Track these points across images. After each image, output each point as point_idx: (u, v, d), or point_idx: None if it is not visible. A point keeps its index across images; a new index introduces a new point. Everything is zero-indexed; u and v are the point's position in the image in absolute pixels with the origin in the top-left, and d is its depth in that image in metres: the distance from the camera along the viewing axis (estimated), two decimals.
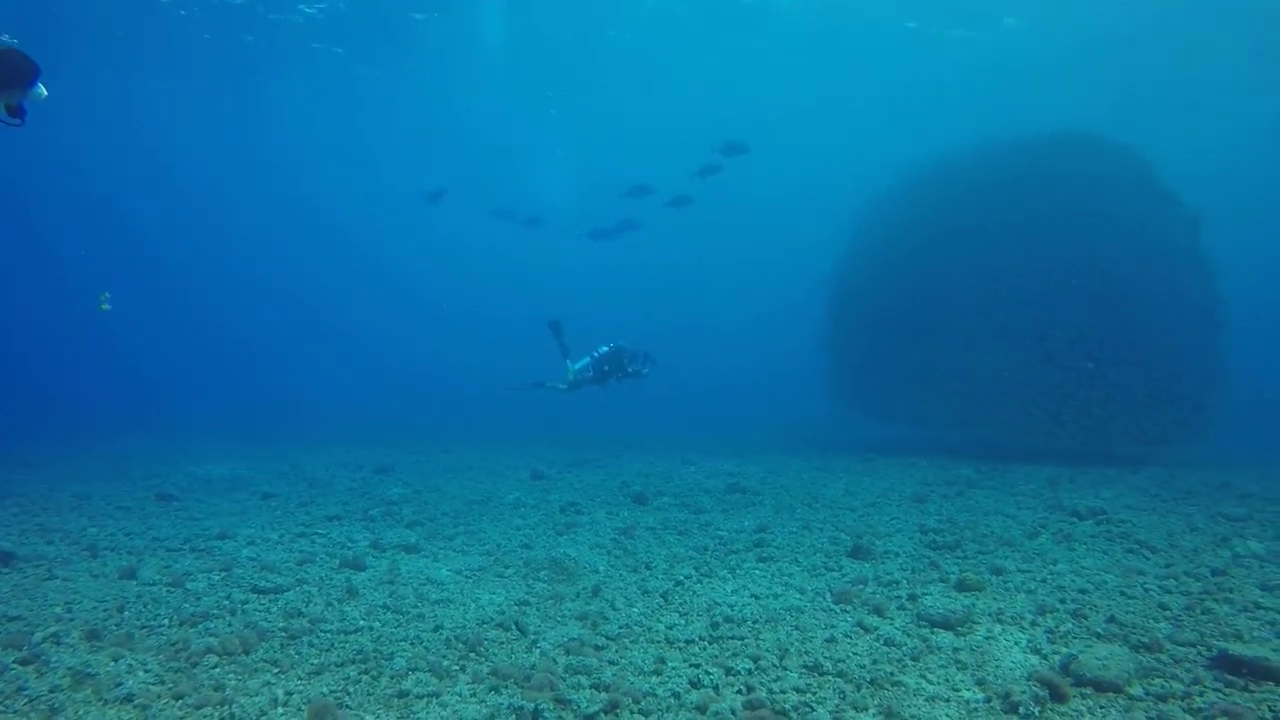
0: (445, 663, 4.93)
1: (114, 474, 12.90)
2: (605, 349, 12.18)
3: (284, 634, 5.37)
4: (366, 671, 4.77)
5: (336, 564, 7.24)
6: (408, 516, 9.48)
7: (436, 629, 5.55)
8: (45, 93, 4.99)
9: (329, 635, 5.39)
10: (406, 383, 38.54)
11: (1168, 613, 5.76)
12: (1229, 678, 4.58)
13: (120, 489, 11.34)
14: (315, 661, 4.90)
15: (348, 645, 5.20)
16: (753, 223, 44.32)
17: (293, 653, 5.04)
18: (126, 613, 5.79)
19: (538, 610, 5.98)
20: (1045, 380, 14.13)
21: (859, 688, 4.52)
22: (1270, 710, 4.20)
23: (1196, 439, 14.38)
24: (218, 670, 4.74)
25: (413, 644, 5.26)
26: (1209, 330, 14.90)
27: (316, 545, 8.03)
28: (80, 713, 4.21)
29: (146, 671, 4.71)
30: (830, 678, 4.67)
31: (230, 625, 5.52)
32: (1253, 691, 4.42)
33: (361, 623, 5.66)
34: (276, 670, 4.77)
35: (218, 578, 6.77)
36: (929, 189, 16.85)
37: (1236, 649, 4.77)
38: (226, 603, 6.05)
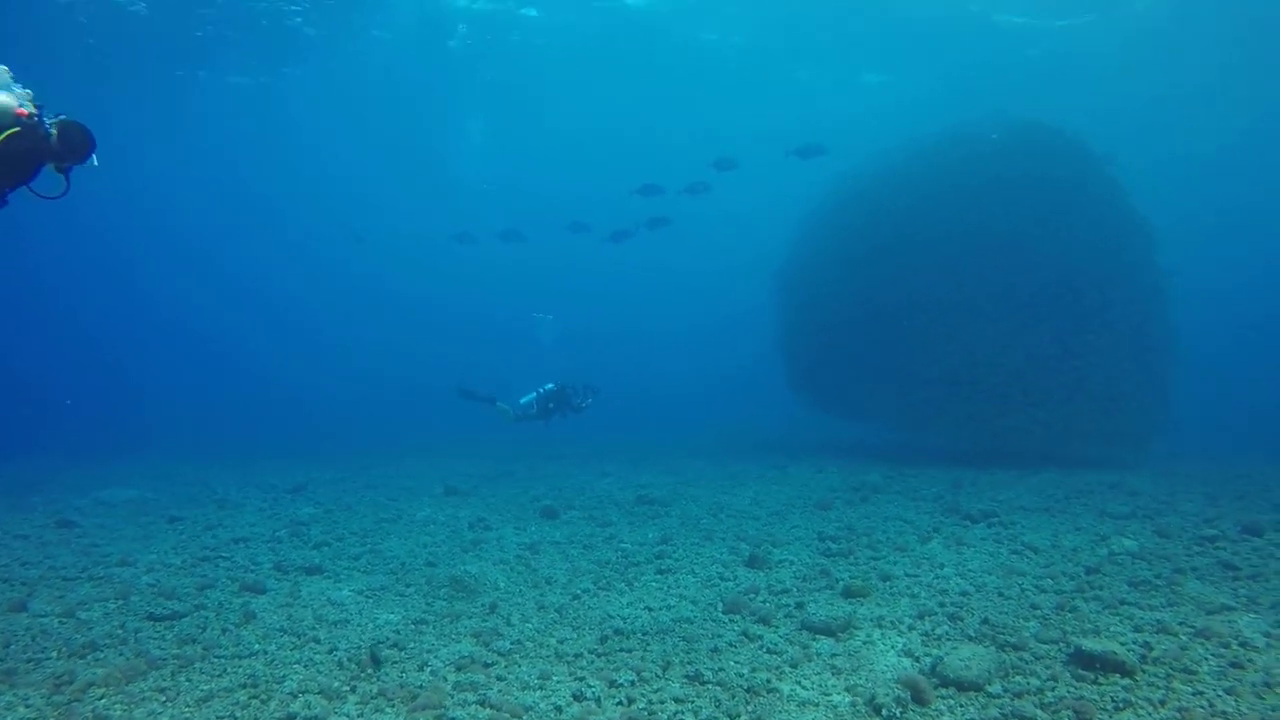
0: (336, 684, 5.02)
1: (12, 501, 12.50)
2: (550, 386, 12.94)
3: (176, 661, 5.38)
4: (256, 696, 4.83)
5: (237, 588, 7.22)
6: (315, 537, 9.46)
7: (331, 650, 5.62)
8: (97, 163, 5.32)
9: (222, 661, 5.41)
10: (345, 393, 38.12)
11: (1038, 612, 6.15)
12: (1081, 672, 4.94)
13: (17, 517, 11.01)
14: (205, 688, 4.93)
15: (240, 670, 5.24)
16: (725, 226, 44.78)
17: (183, 680, 5.07)
18: (12, 647, 5.71)
19: (434, 628, 6.10)
20: (990, 381, 14.58)
21: (735, 696, 4.75)
22: (1113, 701, 4.56)
23: (1149, 440, 15.03)
24: (103, 701, 4.74)
25: (306, 666, 5.33)
26: (1159, 335, 15.31)
27: (219, 569, 7.97)
28: None
29: (28, 707, 4.69)
30: (710, 687, 4.90)
31: (121, 655, 5.51)
32: (1100, 684, 4.78)
33: (256, 647, 5.70)
34: (164, 699, 4.79)
35: (113, 606, 6.69)
36: (875, 190, 17.21)
37: (1089, 644, 5.14)
38: (120, 632, 6.01)
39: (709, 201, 21.15)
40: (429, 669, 5.27)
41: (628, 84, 31.87)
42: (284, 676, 5.13)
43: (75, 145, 5.15)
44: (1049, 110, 16.41)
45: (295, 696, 4.82)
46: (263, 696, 4.82)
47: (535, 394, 13.10)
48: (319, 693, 4.89)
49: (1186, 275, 16.34)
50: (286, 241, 51.70)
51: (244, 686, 4.96)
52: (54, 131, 5.07)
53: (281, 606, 6.70)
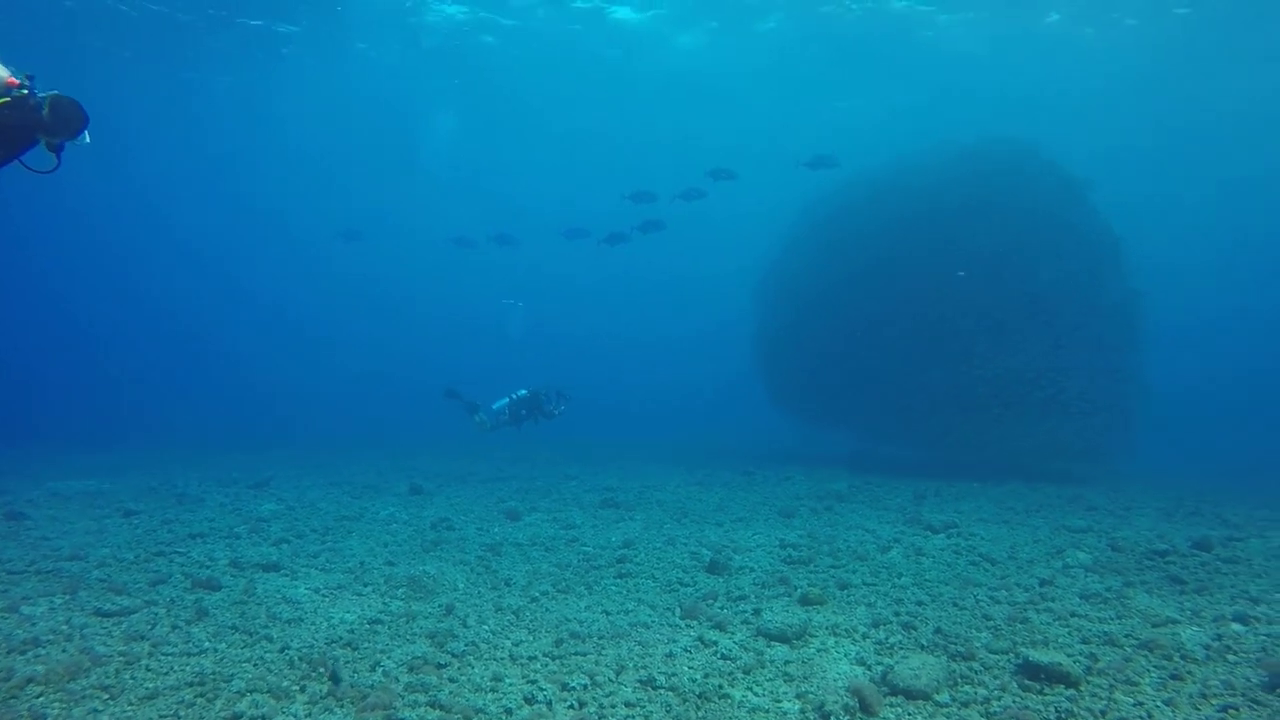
0: (285, 684, 4.97)
1: None
2: (523, 392, 12.94)
3: (122, 658, 5.29)
4: (202, 695, 4.77)
5: (190, 584, 7.12)
6: (275, 534, 9.36)
7: (283, 649, 5.56)
8: (89, 140, 5.32)
9: (169, 658, 5.34)
10: (323, 390, 37.84)
11: (990, 623, 6.23)
12: (1028, 683, 5.01)
13: None
14: (150, 686, 4.86)
15: (188, 668, 5.17)
16: (705, 237, 44.99)
17: (127, 678, 4.99)
18: None
19: (389, 628, 6.05)
20: (963, 395, 14.76)
21: (686, 701, 4.77)
22: (1056, 711, 4.63)
23: (1117, 454, 15.28)
24: (41, 699, 4.65)
25: (255, 665, 5.27)
26: (1130, 349, 15.72)
27: (174, 565, 7.86)
28: None
29: None
30: (662, 692, 4.91)
31: (64, 651, 5.41)
32: (1045, 695, 4.85)
33: (206, 644, 5.62)
34: (106, 697, 4.72)
35: (60, 601, 6.58)
36: (856, 206, 17.46)
37: (1036, 655, 5.21)
38: (65, 628, 5.91)
39: (693, 211, 21.16)
40: (381, 669, 5.23)
41: (606, 94, 32.13)
42: (232, 675, 5.07)
43: (67, 119, 5.12)
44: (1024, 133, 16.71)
45: (243, 695, 4.77)
46: (209, 695, 4.75)
47: (508, 399, 13.11)
48: (267, 692, 4.84)
49: (1154, 295, 16.67)
50: (271, 236, 51.29)
51: (190, 685, 4.90)
52: (45, 104, 5.04)
53: (235, 604, 6.62)
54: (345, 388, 38.42)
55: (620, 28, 26.98)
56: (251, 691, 4.83)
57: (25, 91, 5.02)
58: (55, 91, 5.13)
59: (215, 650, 5.53)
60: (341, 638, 5.82)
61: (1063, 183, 15.97)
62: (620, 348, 48.62)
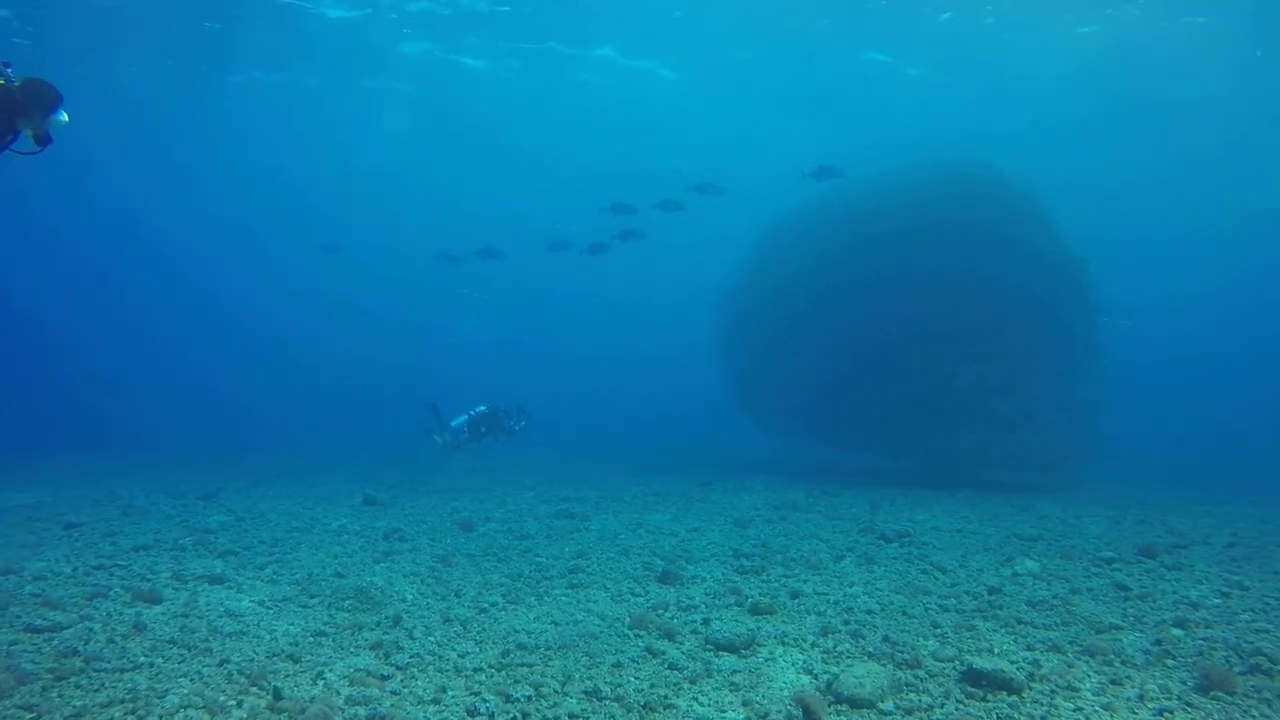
0: (222, 698, 4.85)
1: None
2: (482, 409, 12.88)
3: (51, 675, 5.13)
4: (133, 711, 4.63)
5: (130, 598, 6.94)
6: (221, 545, 9.16)
7: (222, 663, 5.44)
8: (67, 118, 5.44)
9: (102, 674, 5.19)
10: (288, 400, 37.34)
11: (938, 630, 6.27)
12: (971, 690, 5.04)
13: None
14: (78, 704, 4.71)
15: (120, 684, 5.02)
16: (689, 254, 45.22)
17: (54, 696, 4.83)
18: None
19: (333, 640, 5.95)
20: (926, 406, 14.93)
21: (630, 711, 4.73)
22: (998, 717, 4.67)
23: (1079, 465, 15.54)
24: None
25: (192, 680, 5.14)
26: (1092, 362, 15.92)
27: (113, 578, 7.65)
28: None
29: None
30: (607, 702, 4.87)
31: None
32: (988, 701, 4.89)
33: (142, 659, 5.48)
34: (32, 716, 4.56)
35: None
36: (820, 222, 17.63)
37: (980, 663, 5.25)
38: None
39: (668, 229, 21.27)
40: (322, 682, 5.13)
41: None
42: (167, 691, 4.93)
43: (41, 97, 5.25)
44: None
45: (176, 712, 4.64)
46: (140, 712, 4.62)
47: (466, 416, 13.10)
48: (203, 707, 4.72)
49: (1117, 310, 17.06)
50: (239, 245, 50.39)
51: (121, 701, 4.76)
52: (17, 86, 5.18)
53: (176, 617, 6.46)
54: (314, 399, 37.88)
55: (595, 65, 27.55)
56: (186, 708, 4.71)
57: (2, 80, 5.16)
58: (27, 76, 5.28)
59: (151, 665, 5.38)
60: (284, 650, 5.71)
61: (1021, 202, 16.28)
62: (594, 363, 48.51)
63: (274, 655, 5.60)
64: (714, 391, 21.86)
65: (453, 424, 12.94)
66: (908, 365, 15.03)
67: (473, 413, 13.05)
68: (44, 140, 5.40)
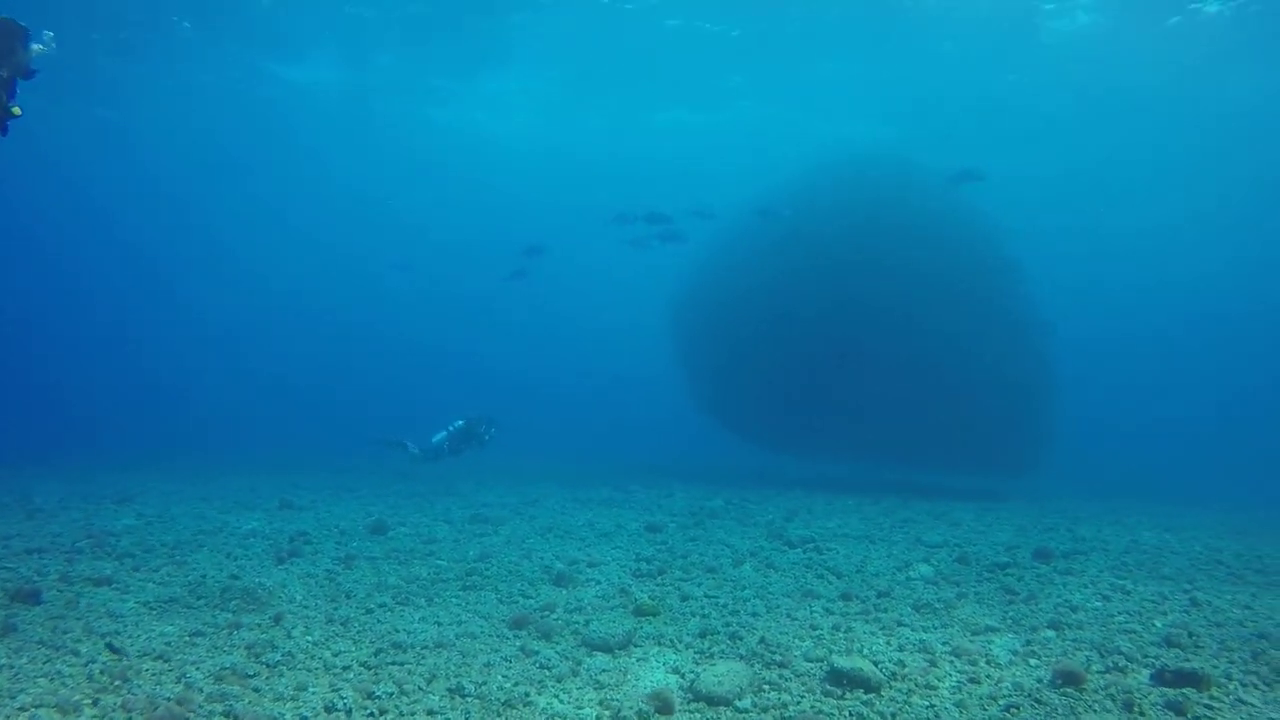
0: (78, 697, 4.78)
1: None
2: (460, 423, 12.93)
3: None
4: None
5: (6, 599, 6.80)
6: (121, 548, 8.99)
7: (88, 664, 5.35)
8: (42, 47, 5.43)
9: None
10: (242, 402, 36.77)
11: (816, 632, 6.38)
12: (830, 688, 5.15)
13: None
14: None
15: None
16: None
17: None
18: None
19: (209, 640, 5.89)
20: (866, 412, 15.18)
21: (489, 708, 4.76)
22: (851, 714, 4.77)
23: (1025, 471, 15.89)
24: None
25: (51, 680, 5.05)
26: (1034, 377, 16.12)
27: None
28: None
29: None
30: (469, 700, 4.89)
31: None
32: (844, 699, 4.99)
33: (3, 660, 5.37)
34: None
35: None
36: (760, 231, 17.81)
37: (841, 662, 5.36)
38: None
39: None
40: (185, 680, 5.08)
41: None
42: (21, 690, 4.85)
43: (7, 34, 5.22)
44: None
45: (25, 710, 4.57)
46: None
47: (446, 432, 13.19)
48: (55, 706, 4.64)
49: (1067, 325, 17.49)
50: (207, 247, 49.38)
51: None
52: None
53: (52, 619, 6.34)
54: (263, 403, 37.30)
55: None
56: (37, 706, 4.63)
57: None
58: None
59: (11, 666, 5.28)
60: (155, 650, 5.64)
61: (956, 204, 16.67)
62: (552, 375, 48.46)
63: (144, 655, 5.53)
64: (673, 402, 22.15)
65: (433, 440, 13.04)
66: (849, 371, 15.31)
67: (451, 428, 13.15)
68: (28, 74, 5.36)
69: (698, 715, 4.76)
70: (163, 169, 37.86)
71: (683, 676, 5.35)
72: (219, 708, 4.66)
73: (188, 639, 5.92)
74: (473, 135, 33.77)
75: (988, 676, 5.39)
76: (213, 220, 44.79)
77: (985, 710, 4.83)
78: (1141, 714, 4.76)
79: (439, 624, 6.38)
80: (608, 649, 5.82)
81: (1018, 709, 4.83)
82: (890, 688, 5.17)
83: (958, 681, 5.30)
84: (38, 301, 44.83)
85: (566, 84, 28.20)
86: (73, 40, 22.39)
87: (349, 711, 4.65)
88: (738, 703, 4.90)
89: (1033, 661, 5.73)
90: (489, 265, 25.01)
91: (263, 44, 25.01)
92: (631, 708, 4.70)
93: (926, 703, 4.94)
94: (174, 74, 26.68)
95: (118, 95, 28.64)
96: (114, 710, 4.62)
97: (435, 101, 30.28)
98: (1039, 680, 5.31)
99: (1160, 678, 5.30)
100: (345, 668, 5.35)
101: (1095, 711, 4.79)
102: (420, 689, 5.02)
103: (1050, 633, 6.45)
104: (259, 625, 6.27)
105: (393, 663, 5.45)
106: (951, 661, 5.69)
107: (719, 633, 6.29)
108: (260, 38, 24.38)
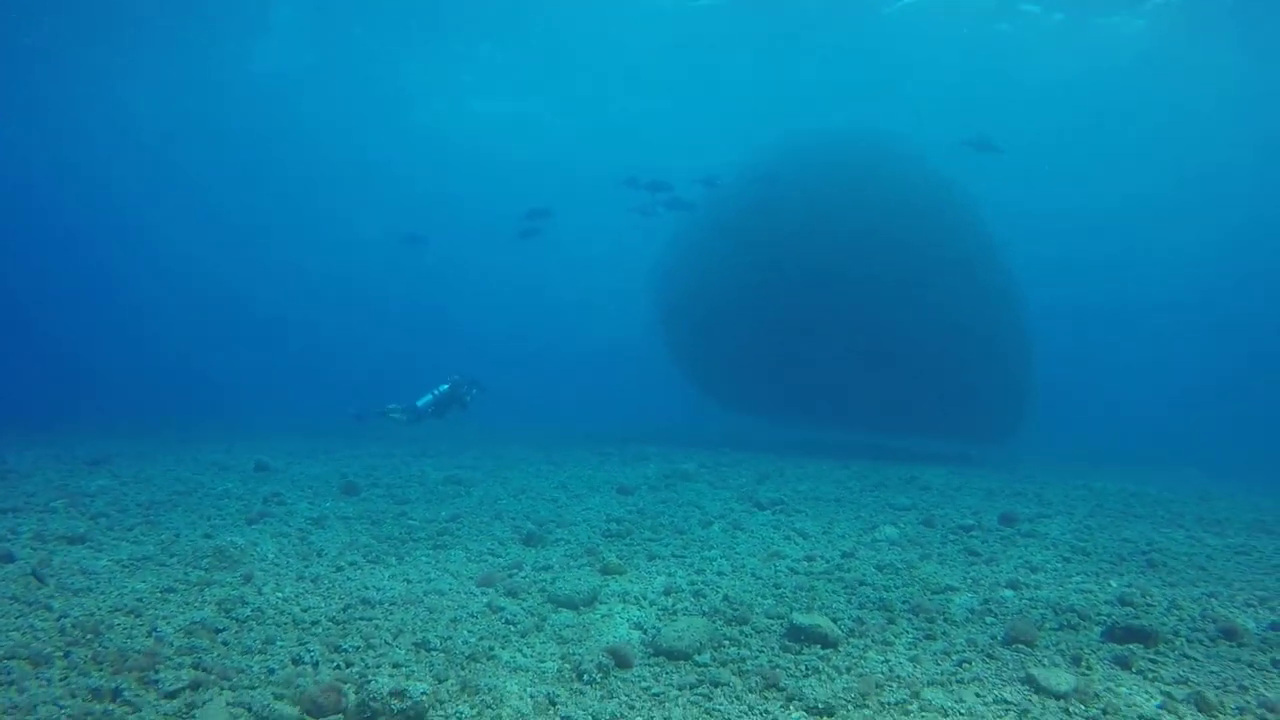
0: (49, 650, 4.84)
1: None
2: (445, 387, 13.35)
3: None
4: None
5: None
6: (95, 508, 9.02)
7: (61, 618, 5.41)
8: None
9: None
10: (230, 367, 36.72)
11: (779, 591, 6.51)
12: (788, 644, 5.29)
13: None
14: None
15: None
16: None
17: None
18: None
19: (180, 596, 5.95)
20: (865, 381, 15.33)
21: (452, 661, 4.85)
22: (806, 668, 4.89)
23: (1006, 438, 16.10)
24: None
25: (23, 633, 5.11)
26: (1013, 343, 16.38)
27: None
28: None
29: None
30: (434, 653, 4.98)
31: None
32: (801, 654, 5.12)
33: None
34: None
35: None
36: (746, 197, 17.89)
37: (800, 619, 5.49)
38: None
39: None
40: (155, 634, 5.15)
41: None
42: None
43: None
44: None
45: None
46: None
47: (431, 395, 13.57)
48: (26, 659, 4.71)
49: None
50: (204, 214, 48.73)
51: None
52: None
53: (24, 575, 6.38)
54: (245, 371, 37.22)
55: None
56: (7, 659, 4.69)
57: None
58: None
59: None
60: (127, 605, 5.70)
61: (931, 176, 16.73)
62: (543, 343, 48.51)
63: (116, 610, 5.59)
64: (658, 372, 22.32)
65: (418, 403, 13.37)
66: (831, 337, 15.46)
67: (436, 392, 13.54)
68: None
69: (658, 669, 4.87)
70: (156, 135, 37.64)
71: (645, 632, 5.47)
72: (188, 660, 4.74)
73: (159, 595, 5.99)
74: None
75: (943, 634, 5.54)
76: (199, 183, 44.33)
77: (939, 665, 4.97)
78: (1089, 668, 4.92)
79: (408, 581, 6.48)
80: (573, 606, 5.93)
81: (970, 664, 4.98)
82: (848, 644, 5.31)
83: (914, 638, 5.45)
84: (14, 268, 44.30)
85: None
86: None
87: (315, 664, 4.74)
88: (697, 657, 5.02)
89: (989, 619, 5.89)
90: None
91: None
92: (592, 660, 4.81)
93: (882, 658, 5.08)
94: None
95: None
96: (85, 662, 4.69)
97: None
98: (992, 638, 5.46)
99: (1111, 634, 5.48)
100: (314, 623, 5.43)
101: (1044, 665, 4.95)
102: (387, 643, 5.11)
103: (1009, 592, 6.61)
104: (230, 583, 6.34)
105: (361, 618, 5.54)
106: (909, 619, 5.84)
107: (683, 590, 6.41)
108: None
